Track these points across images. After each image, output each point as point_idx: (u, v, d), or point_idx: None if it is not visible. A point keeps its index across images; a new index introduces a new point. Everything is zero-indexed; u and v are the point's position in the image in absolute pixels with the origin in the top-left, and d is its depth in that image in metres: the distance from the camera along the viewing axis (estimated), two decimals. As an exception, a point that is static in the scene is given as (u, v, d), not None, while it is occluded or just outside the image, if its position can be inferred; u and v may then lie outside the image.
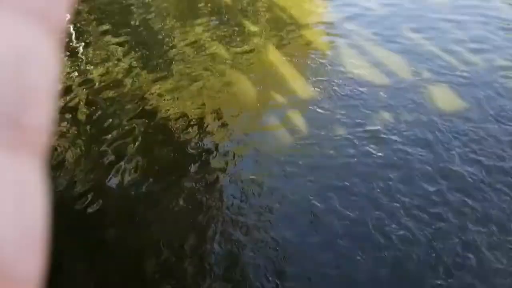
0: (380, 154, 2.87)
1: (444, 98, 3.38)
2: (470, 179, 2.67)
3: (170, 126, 3.13)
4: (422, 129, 3.07)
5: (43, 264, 0.12)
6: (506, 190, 2.62)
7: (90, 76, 3.60)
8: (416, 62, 3.75)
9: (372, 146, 2.93)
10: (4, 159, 0.12)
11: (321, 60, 3.83)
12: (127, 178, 2.70)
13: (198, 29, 4.29)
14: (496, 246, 2.31)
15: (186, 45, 4.05)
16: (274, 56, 3.92)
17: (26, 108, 0.12)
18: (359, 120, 3.14)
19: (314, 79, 3.60)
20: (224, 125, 3.18)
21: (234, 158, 2.90)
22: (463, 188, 2.63)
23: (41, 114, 0.13)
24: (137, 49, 3.99)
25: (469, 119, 3.15)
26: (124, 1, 4.86)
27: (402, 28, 4.29)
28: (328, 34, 4.27)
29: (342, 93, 3.41)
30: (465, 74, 3.62)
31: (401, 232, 2.38)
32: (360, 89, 3.44)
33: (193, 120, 3.18)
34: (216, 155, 2.93)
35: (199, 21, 4.44)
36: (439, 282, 2.16)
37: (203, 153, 2.94)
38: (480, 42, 4.03)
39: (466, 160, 2.83)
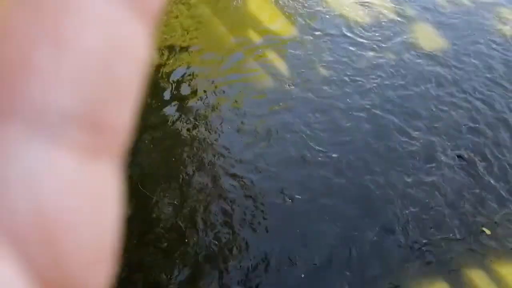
0: (362, 93, 2.81)
1: (428, 37, 3.28)
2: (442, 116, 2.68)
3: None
4: (406, 68, 3.01)
5: (112, 275, 0.12)
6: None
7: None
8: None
9: (354, 85, 2.85)
10: (82, 164, 0.11)
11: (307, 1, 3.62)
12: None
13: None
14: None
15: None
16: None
17: (111, 107, 0.11)
18: (344, 59, 3.03)
19: (294, 18, 3.41)
20: (196, 68, 2.99)
21: (210, 101, 2.76)
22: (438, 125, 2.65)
23: (125, 113, 0.12)
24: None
25: (450, 57, 3.09)
26: None
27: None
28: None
29: (325, 33, 3.26)
30: (449, 13, 3.51)
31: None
32: (344, 28, 3.29)
33: (162, 60, 2.97)
34: (190, 99, 2.78)
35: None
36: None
37: (176, 96, 2.78)
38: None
39: (443, 97, 2.83)
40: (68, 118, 0.10)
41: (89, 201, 0.11)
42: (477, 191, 2.34)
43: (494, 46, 3.24)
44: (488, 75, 3.01)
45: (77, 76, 0.10)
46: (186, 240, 2.09)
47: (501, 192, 2.35)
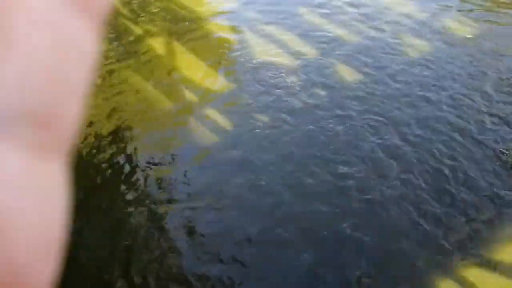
0: (297, 132, 2.99)
1: (346, 70, 3.58)
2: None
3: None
4: (334, 103, 3.24)
5: (57, 271, 0.12)
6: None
7: None
8: (317, 39, 3.90)
9: (291, 125, 3.04)
10: (28, 162, 0.11)
11: (228, 51, 3.81)
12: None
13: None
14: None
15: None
16: (179, 55, 3.80)
17: (59, 104, 0.11)
18: (276, 104, 3.21)
19: (225, 71, 3.58)
20: (139, 137, 3.03)
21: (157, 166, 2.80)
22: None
23: (73, 109, 0.12)
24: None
25: (367, 85, 3.39)
26: None
27: (298, 8, 4.41)
28: (229, 23, 4.25)
29: (255, 81, 3.44)
30: (360, 44, 3.86)
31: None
32: (271, 74, 3.50)
33: (104, 137, 2.98)
34: (136, 168, 2.79)
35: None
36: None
37: (117, 173, 2.78)
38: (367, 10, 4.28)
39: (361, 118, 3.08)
40: (15, 116, 0.11)
41: (36, 199, 0.11)
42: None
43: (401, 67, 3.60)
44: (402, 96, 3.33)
45: (24, 74, 0.11)
46: None
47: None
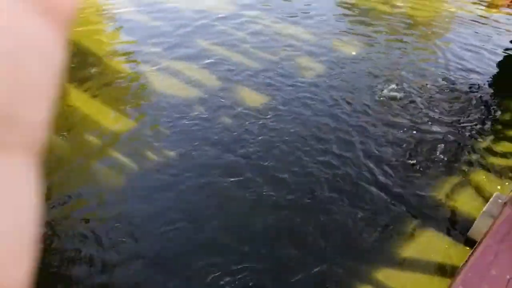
0: (204, 161, 2.98)
1: (248, 94, 3.69)
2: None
3: None
4: (238, 125, 3.30)
5: (31, 269, 0.11)
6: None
7: None
8: (215, 68, 3.97)
9: (196, 155, 3.03)
10: None
11: (130, 88, 3.72)
12: None
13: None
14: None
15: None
16: (78, 98, 3.61)
17: (23, 104, 0.11)
18: (182, 136, 3.18)
19: (129, 108, 3.48)
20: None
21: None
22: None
23: (39, 110, 0.11)
24: None
25: (268, 105, 3.54)
26: None
27: (197, 41, 4.48)
28: (131, 61, 4.18)
29: (160, 116, 3.39)
30: (258, 69, 4.01)
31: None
32: (175, 107, 3.48)
33: None
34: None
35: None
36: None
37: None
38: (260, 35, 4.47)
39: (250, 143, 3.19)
40: None
41: (3, 198, 0.11)
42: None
43: (302, 89, 3.80)
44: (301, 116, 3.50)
45: None
46: None
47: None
